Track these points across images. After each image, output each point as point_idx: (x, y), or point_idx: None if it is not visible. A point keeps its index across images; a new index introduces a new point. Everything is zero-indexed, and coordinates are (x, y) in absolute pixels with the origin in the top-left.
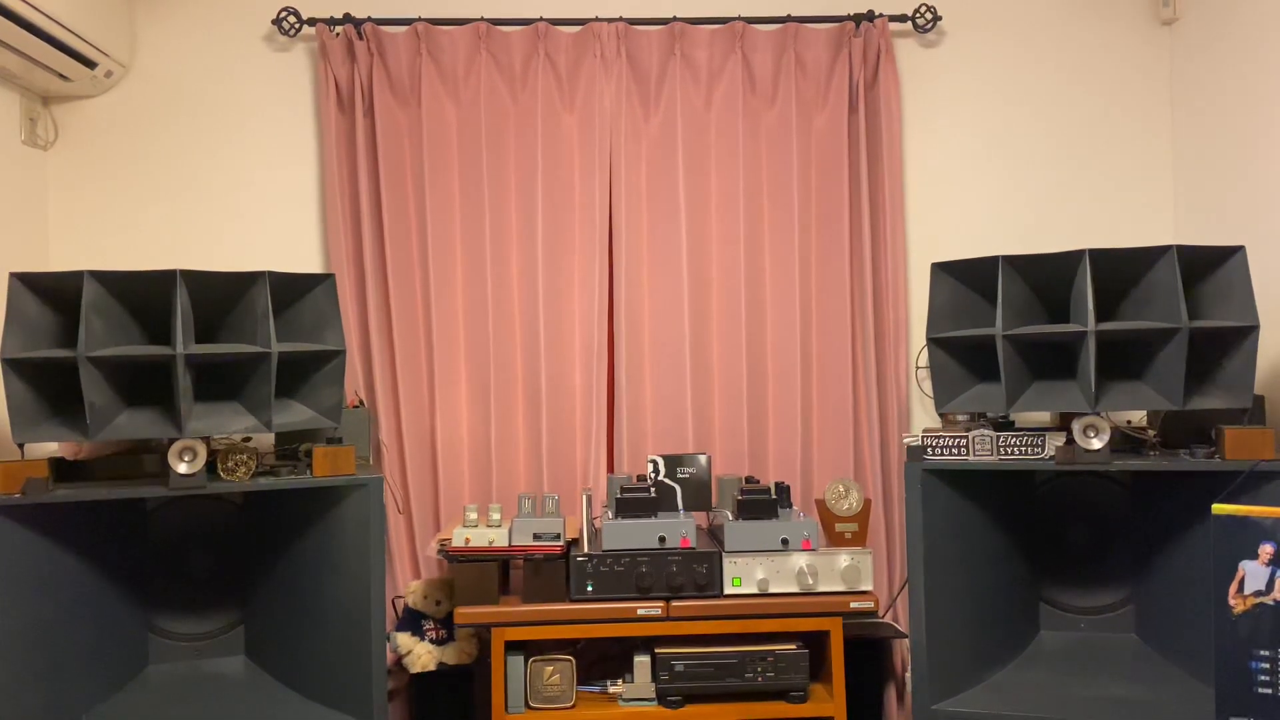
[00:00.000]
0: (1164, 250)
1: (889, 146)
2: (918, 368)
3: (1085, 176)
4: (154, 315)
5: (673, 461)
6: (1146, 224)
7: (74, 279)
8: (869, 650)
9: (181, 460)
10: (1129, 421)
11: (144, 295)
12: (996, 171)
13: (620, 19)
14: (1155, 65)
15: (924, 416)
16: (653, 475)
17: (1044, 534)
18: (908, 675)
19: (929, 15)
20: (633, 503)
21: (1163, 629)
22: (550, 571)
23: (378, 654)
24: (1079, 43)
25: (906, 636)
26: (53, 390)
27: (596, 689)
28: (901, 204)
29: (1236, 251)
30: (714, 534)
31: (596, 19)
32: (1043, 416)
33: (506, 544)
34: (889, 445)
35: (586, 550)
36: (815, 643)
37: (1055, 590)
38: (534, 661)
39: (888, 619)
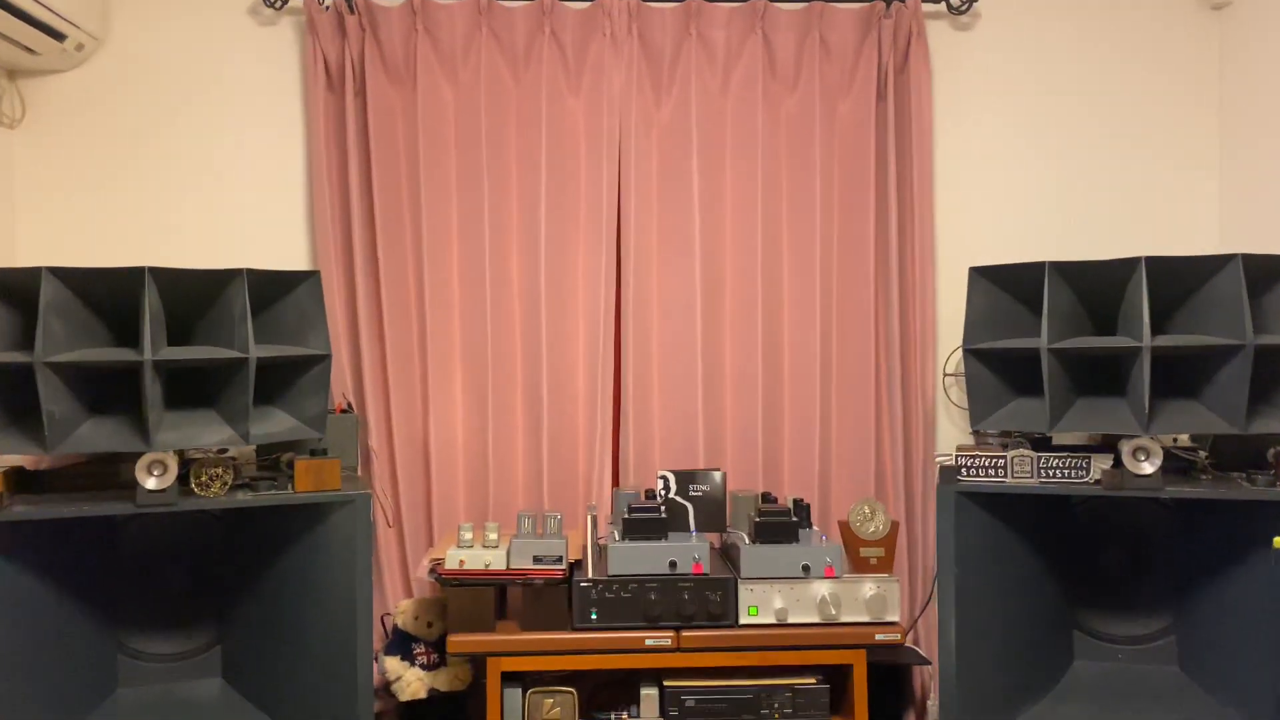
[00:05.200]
0: (1227, 259)
1: (918, 136)
2: (945, 375)
3: (1125, 171)
4: (121, 316)
5: (685, 478)
6: (1190, 223)
7: (31, 276)
8: (888, 676)
9: (150, 475)
10: (1174, 440)
11: (109, 294)
12: (1032, 164)
13: None
14: (1203, 52)
15: (951, 428)
16: (663, 492)
17: (1080, 557)
18: (930, 703)
19: None
20: (641, 524)
21: (1208, 663)
22: (551, 597)
23: (363, 681)
24: (1121, 28)
25: (929, 663)
26: (9, 397)
27: None
28: (931, 198)
29: None
30: (728, 556)
31: None
32: (1079, 433)
33: (504, 567)
34: (913, 458)
35: (591, 575)
36: (836, 675)
37: (1090, 617)
38: (533, 693)
39: (906, 642)
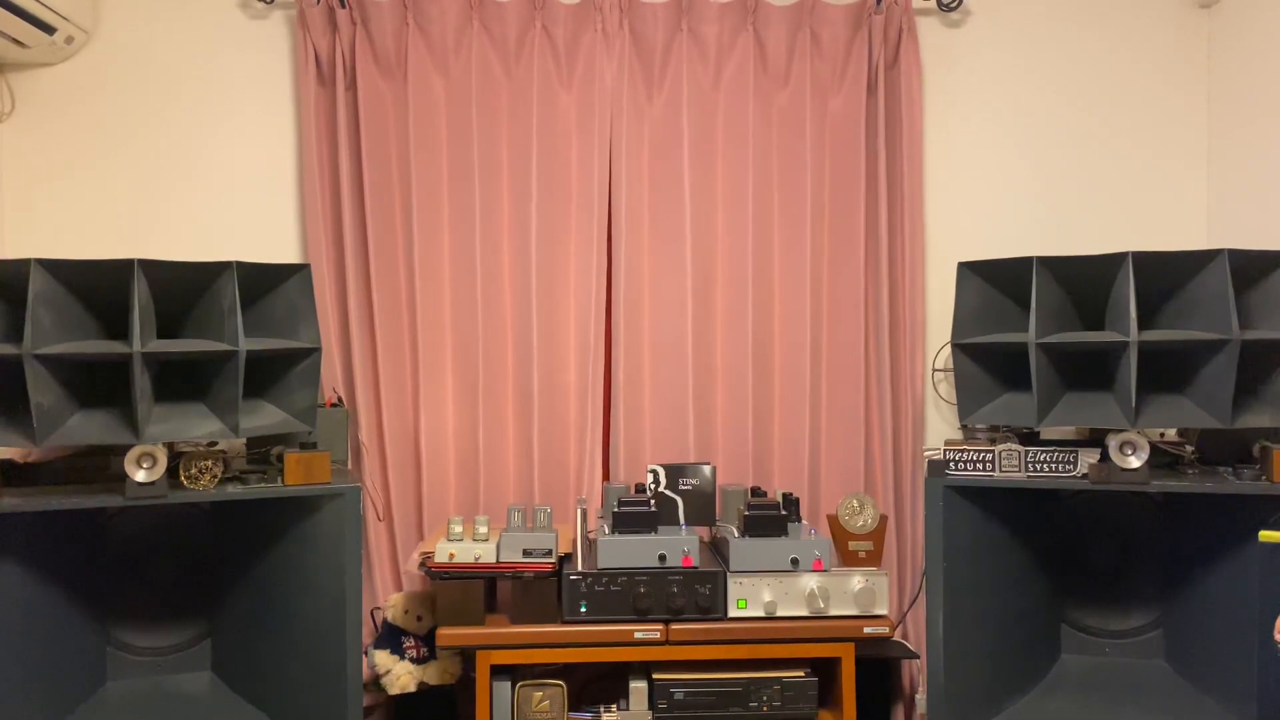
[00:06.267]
0: (1214, 254)
1: (909, 132)
2: (934, 370)
3: (1114, 167)
4: (110, 308)
5: (675, 472)
6: (1178, 219)
7: (20, 267)
8: (876, 670)
9: (140, 467)
10: (1161, 434)
11: (99, 286)
12: (1021, 160)
13: None
14: (1192, 50)
15: (939, 423)
16: (653, 486)
17: (1068, 551)
18: (918, 697)
19: None
20: (631, 517)
21: (1195, 656)
22: (541, 590)
23: (353, 674)
24: (1111, 26)
25: (917, 657)
26: None
27: (589, 715)
28: (921, 194)
29: None
30: (717, 549)
31: None
32: (1067, 428)
33: (494, 560)
34: (902, 452)
35: (580, 568)
36: (825, 669)
37: (1078, 611)
38: (522, 686)
39: (895, 636)
